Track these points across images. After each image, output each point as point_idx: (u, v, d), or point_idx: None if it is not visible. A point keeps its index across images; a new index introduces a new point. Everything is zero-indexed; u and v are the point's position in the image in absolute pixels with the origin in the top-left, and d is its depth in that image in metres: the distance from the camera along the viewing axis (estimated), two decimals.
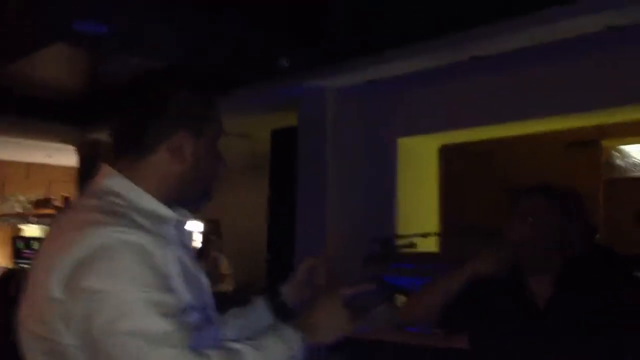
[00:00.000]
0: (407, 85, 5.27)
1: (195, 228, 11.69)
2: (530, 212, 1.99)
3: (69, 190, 8.41)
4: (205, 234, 11.61)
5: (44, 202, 9.25)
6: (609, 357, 1.92)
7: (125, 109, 1.28)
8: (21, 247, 9.19)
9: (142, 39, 4.86)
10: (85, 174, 7.38)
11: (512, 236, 1.98)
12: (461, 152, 6.06)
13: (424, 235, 4.88)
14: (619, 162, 6.16)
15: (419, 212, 5.53)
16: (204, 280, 1.34)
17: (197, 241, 11.67)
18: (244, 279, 7.04)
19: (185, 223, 1.35)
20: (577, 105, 4.73)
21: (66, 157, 8.14)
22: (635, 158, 6.13)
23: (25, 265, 7.86)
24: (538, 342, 1.90)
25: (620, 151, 6.14)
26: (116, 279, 1.08)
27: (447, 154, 5.92)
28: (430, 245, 5.09)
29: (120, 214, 1.18)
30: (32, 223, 9.42)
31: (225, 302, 1.50)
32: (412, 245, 4.96)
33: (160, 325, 1.07)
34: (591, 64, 4.54)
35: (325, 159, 5.37)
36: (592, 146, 6.13)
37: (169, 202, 1.30)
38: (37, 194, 9.47)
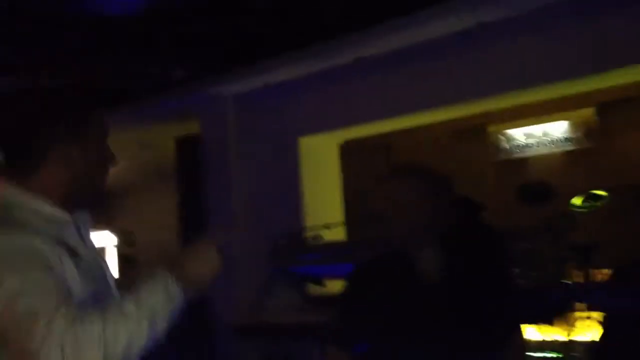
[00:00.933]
0: (304, 87, 5.48)
1: (109, 241, 11.57)
2: (396, 192, 2.02)
3: None
4: (120, 246, 11.51)
5: None
6: (494, 331, 1.95)
7: (7, 127, 1.40)
8: None
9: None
10: None
11: (391, 215, 1.99)
12: (361, 146, 6.34)
13: (327, 227, 5.11)
14: (504, 145, 6.61)
15: (324, 206, 5.75)
16: (106, 273, 1.52)
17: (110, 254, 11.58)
18: None
19: (85, 223, 1.49)
20: (463, 95, 5.03)
21: None
22: (518, 140, 6.60)
23: None
24: (435, 323, 1.90)
25: (504, 135, 6.60)
26: (8, 275, 1.26)
27: (348, 149, 6.18)
28: (335, 236, 5.33)
29: (12, 221, 1.34)
30: None
31: None
32: (319, 237, 5.18)
33: (45, 302, 1.24)
34: (470, 57, 4.87)
35: (229, 164, 5.53)
36: (479, 132, 6.56)
37: (68, 206, 1.43)
38: None
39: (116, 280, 1.53)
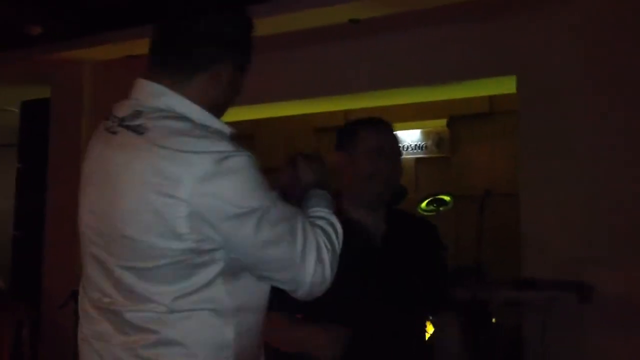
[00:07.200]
0: None
1: None
2: (388, 144, 1.98)
3: None
4: None
5: None
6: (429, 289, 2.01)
7: (176, 32, 1.38)
8: None
9: None
10: None
11: (378, 171, 1.95)
12: None
13: None
14: None
15: None
16: None
17: None
18: None
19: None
20: (324, 91, 5.07)
21: None
22: None
23: None
24: (377, 278, 1.90)
25: None
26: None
27: None
28: None
29: (205, 135, 1.31)
30: None
31: None
32: None
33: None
34: (335, 53, 4.92)
35: (80, 133, 5.24)
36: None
37: None
38: None
39: None
